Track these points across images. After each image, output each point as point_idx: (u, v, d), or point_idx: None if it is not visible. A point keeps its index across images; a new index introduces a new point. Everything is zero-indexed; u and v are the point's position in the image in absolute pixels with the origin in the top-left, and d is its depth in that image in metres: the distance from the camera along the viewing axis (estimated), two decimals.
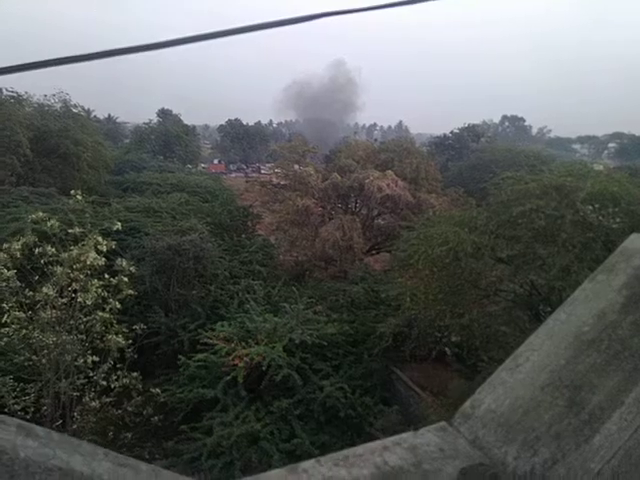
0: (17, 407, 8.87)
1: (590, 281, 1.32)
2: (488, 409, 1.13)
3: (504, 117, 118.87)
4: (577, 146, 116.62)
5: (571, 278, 8.86)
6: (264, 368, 10.66)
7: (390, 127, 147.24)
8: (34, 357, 9.05)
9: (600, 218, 9.53)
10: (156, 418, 10.64)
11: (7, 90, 24.69)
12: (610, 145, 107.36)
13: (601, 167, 17.25)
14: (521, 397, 1.11)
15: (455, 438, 1.12)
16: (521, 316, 11.19)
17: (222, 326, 12.23)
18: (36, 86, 29.39)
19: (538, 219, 9.96)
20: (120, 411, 10.05)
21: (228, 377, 10.61)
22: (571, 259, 9.15)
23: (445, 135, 54.95)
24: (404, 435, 1.15)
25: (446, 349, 13.13)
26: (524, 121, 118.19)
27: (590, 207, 9.78)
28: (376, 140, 54.58)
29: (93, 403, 9.35)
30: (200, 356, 11.25)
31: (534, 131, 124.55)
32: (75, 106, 29.88)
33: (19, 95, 25.88)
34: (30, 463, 0.89)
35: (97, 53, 1.33)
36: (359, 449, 1.11)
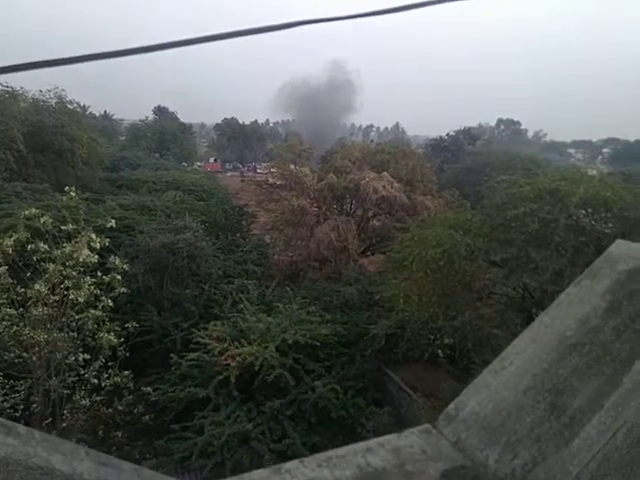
0: (6, 405, 8.81)
1: (575, 286, 1.33)
2: (472, 411, 1.14)
3: (500, 120, 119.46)
4: (572, 150, 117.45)
5: (564, 282, 8.92)
6: (256, 368, 10.65)
7: (387, 128, 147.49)
8: (25, 354, 8.98)
9: (593, 223, 9.61)
10: (147, 417, 10.59)
11: (2, 85, 24.49)
12: (604, 150, 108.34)
13: (595, 172, 17.37)
14: (504, 400, 1.12)
15: (438, 440, 1.12)
16: (513, 319, 11.26)
17: (215, 325, 12.20)
18: (31, 82, 29.25)
19: (532, 222, 10.02)
20: (111, 410, 10.00)
21: (220, 377, 10.59)
22: (564, 263, 9.22)
23: (441, 137, 55.15)
24: (388, 437, 1.16)
25: (439, 351, 13.17)
26: (520, 125, 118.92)
27: (583, 211, 9.86)
28: (372, 141, 54.67)
29: (83, 401, 9.29)
30: (192, 355, 11.23)
31: (530, 135, 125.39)
32: (71, 102, 29.70)
33: (14, 90, 25.68)
34: (10, 461, 0.88)
35: (101, 54, 1.33)
36: (342, 450, 1.12)
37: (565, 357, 1.13)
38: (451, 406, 1.20)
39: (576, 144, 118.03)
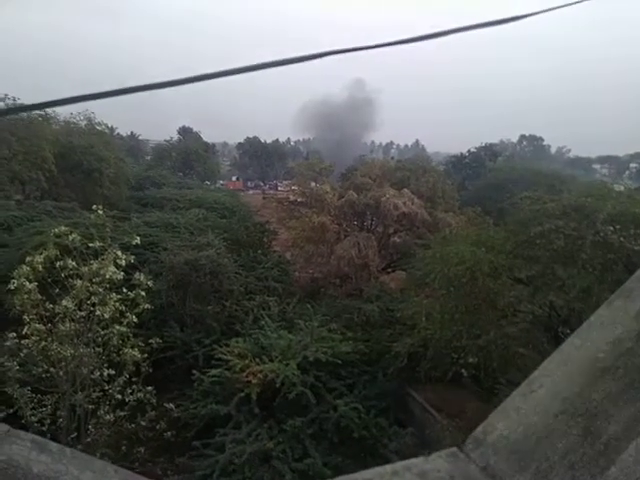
0: (34, 419, 8.97)
1: (607, 306, 1.30)
2: (501, 435, 1.12)
3: (522, 136, 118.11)
4: (597, 166, 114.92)
5: (591, 300, 8.65)
6: (278, 385, 10.60)
7: (407, 146, 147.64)
8: (52, 369, 9.16)
9: (621, 239, 9.34)
10: (169, 433, 10.62)
11: None
12: (632, 165, 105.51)
13: (622, 188, 16.94)
14: (534, 424, 1.09)
15: (466, 464, 1.10)
16: (540, 338, 10.96)
17: (237, 342, 12.23)
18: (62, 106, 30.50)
19: (557, 239, 9.81)
20: (134, 425, 10.06)
21: (242, 394, 10.56)
22: (591, 280, 8.97)
23: (462, 154, 54.84)
24: (414, 460, 1.14)
25: (462, 370, 12.85)
26: (542, 140, 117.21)
27: (611, 228, 9.60)
28: (393, 158, 54.77)
29: (108, 416, 9.38)
30: (214, 372, 11.25)
31: (553, 150, 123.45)
32: (99, 124, 30.88)
33: (46, 113, 26.86)
34: (42, 479, 0.91)
35: (132, 88, 1.38)
36: (368, 473, 1.11)
37: (597, 380, 1.10)
38: (479, 429, 1.18)
39: (601, 159, 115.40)
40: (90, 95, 1.32)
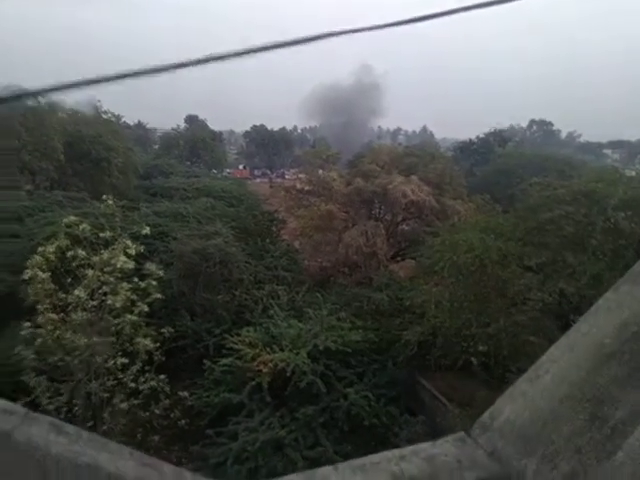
0: (51, 407, 9.16)
1: (614, 291, 1.29)
2: (507, 420, 1.13)
3: (532, 121, 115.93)
4: (608, 151, 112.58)
5: (602, 287, 8.56)
6: (288, 374, 10.70)
7: (415, 132, 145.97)
8: (67, 357, 9.32)
9: (633, 225, 9.22)
10: (183, 422, 10.79)
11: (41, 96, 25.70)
12: None
13: (633, 173, 16.64)
14: (541, 409, 1.10)
15: (473, 449, 1.11)
16: (550, 326, 10.88)
17: (247, 331, 12.34)
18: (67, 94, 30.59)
19: (567, 226, 9.72)
20: (148, 413, 10.23)
21: (253, 382, 10.68)
22: (602, 267, 8.89)
23: (470, 140, 54.14)
24: (422, 445, 1.15)
25: (472, 359, 12.84)
26: (552, 125, 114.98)
27: (622, 214, 9.47)
28: (400, 145, 54.27)
29: (122, 405, 9.56)
30: (225, 361, 11.38)
31: (563, 135, 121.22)
32: (106, 112, 30.89)
33: (53, 102, 26.89)
34: (61, 459, 0.94)
35: (138, 71, 1.38)
36: (376, 457, 1.13)
37: (604, 365, 1.10)
38: (486, 414, 1.19)
39: (613, 144, 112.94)
40: (94, 80, 1.33)
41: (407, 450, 1.13)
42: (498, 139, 53.92)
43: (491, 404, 1.24)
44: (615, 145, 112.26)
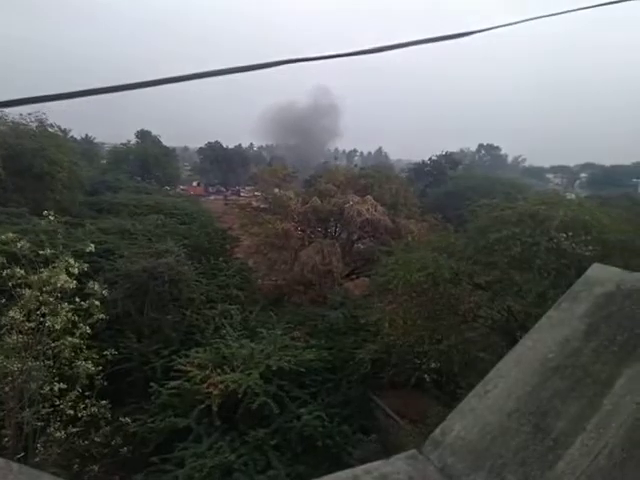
0: None
1: (555, 309, 1.36)
2: (457, 436, 1.14)
3: (480, 145, 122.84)
4: (550, 175, 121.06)
5: (547, 304, 8.95)
6: (240, 396, 10.40)
7: (370, 153, 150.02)
8: None
9: (573, 246, 9.81)
10: (125, 449, 10.17)
11: None
12: (582, 175, 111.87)
13: (573, 196, 17.91)
14: (489, 424, 1.12)
15: (425, 466, 1.11)
16: (499, 342, 11.29)
17: (197, 352, 11.93)
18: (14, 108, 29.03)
19: (514, 246, 10.19)
20: (87, 442, 9.58)
21: (202, 405, 10.29)
22: (546, 285, 9.33)
23: (423, 162, 56.32)
24: (375, 463, 1.14)
25: (425, 376, 13.09)
26: (500, 150, 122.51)
27: (564, 235, 10.07)
28: (356, 166, 55.53)
29: (58, 434, 8.88)
30: (173, 383, 10.91)
31: (509, 160, 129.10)
32: (52, 126, 29.55)
33: None
34: None
35: (102, 88, 1.33)
36: (329, 479, 1.10)
37: (548, 380, 1.14)
38: (437, 431, 1.19)
39: (554, 169, 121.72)
40: (50, 96, 1.27)
41: (359, 469, 1.11)
42: (449, 162, 56.47)
43: (442, 420, 1.25)
44: (556, 170, 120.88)
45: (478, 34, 1.65)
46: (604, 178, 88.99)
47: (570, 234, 9.95)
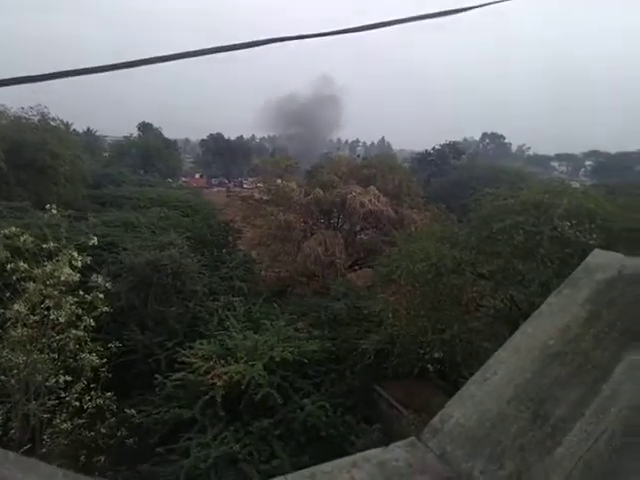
0: None
1: (556, 295, 1.34)
2: (457, 423, 1.13)
3: (484, 134, 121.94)
4: (555, 164, 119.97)
5: (550, 293, 8.94)
6: (243, 387, 10.47)
7: (373, 143, 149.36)
8: (3, 377, 8.69)
9: (577, 234, 9.74)
10: (131, 440, 10.28)
11: None
12: (587, 163, 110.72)
13: (577, 185, 17.76)
14: (488, 411, 1.11)
15: (424, 453, 1.11)
16: (502, 331, 11.29)
17: (201, 344, 12.00)
18: (13, 100, 29.04)
19: (517, 235, 10.15)
20: (93, 433, 9.68)
21: (206, 397, 10.37)
22: (550, 275, 9.29)
23: (427, 151, 55.99)
24: (373, 451, 1.14)
25: (428, 365, 13.13)
26: (504, 139, 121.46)
27: (568, 223, 10.00)
28: (359, 156, 55.24)
29: (64, 425, 8.99)
30: (177, 375, 10.99)
31: (514, 148, 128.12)
32: (54, 119, 29.50)
33: None
34: None
35: (92, 68, 1.32)
36: (327, 466, 1.10)
37: (547, 366, 1.13)
38: (436, 418, 1.19)
39: (559, 157, 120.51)
40: (48, 75, 1.25)
41: (359, 457, 1.11)
42: (453, 151, 56.10)
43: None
44: (561, 158, 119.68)
45: (478, 9, 1.62)
46: (610, 166, 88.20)
47: (574, 222, 9.88)
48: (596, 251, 1.41)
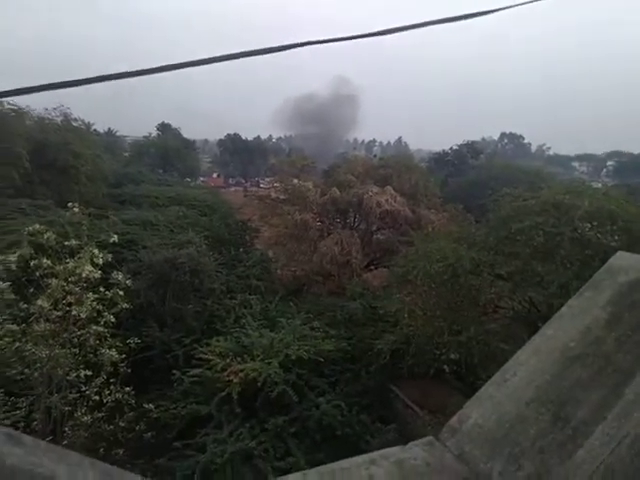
0: (7, 422, 8.72)
1: (577, 297, 1.33)
2: (475, 424, 1.14)
3: (503, 134, 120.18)
4: (576, 164, 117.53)
5: (569, 295, 8.74)
6: (259, 384, 10.56)
7: (389, 143, 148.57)
8: (26, 370, 8.93)
9: (598, 236, 9.56)
10: (149, 434, 10.46)
11: (8, 103, 24.89)
12: (609, 163, 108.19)
13: (599, 185, 17.37)
14: (507, 412, 1.11)
15: (442, 453, 1.12)
16: (520, 333, 11.15)
17: (218, 341, 12.14)
18: (37, 101, 29.81)
19: (537, 236, 10.00)
20: (112, 427, 9.88)
21: (223, 393, 10.49)
22: (570, 276, 9.14)
23: (444, 151, 55.43)
24: (392, 449, 1.15)
25: (444, 366, 13.01)
26: (523, 139, 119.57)
27: (588, 225, 9.82)
28: (375, 156, 55.04)
29: (85, 418, 9.18)
30: (195, 371, 11.15)
31: (533, 148, 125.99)
32: (75, 120, 30.15)
33: (19, 108, 26.09)
34: (16, 471, 0.89)
35: (110, 75, 1.36)
36: (346, 463, 1.12)
37: (568, 369, 1.13)
38: (454, 418, 1.19)
39: (580, 157, 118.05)
40: (64, 83, 1.29)
41: (377, 454, 1.12)
42: (471, 151, 55.40)
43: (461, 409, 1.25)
44: (582, 158, 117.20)
45: (501, 12, 1.61)
46: (632, 166, 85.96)
47: (595, 224, 9.69)
48: (619, 253, 1.39)
